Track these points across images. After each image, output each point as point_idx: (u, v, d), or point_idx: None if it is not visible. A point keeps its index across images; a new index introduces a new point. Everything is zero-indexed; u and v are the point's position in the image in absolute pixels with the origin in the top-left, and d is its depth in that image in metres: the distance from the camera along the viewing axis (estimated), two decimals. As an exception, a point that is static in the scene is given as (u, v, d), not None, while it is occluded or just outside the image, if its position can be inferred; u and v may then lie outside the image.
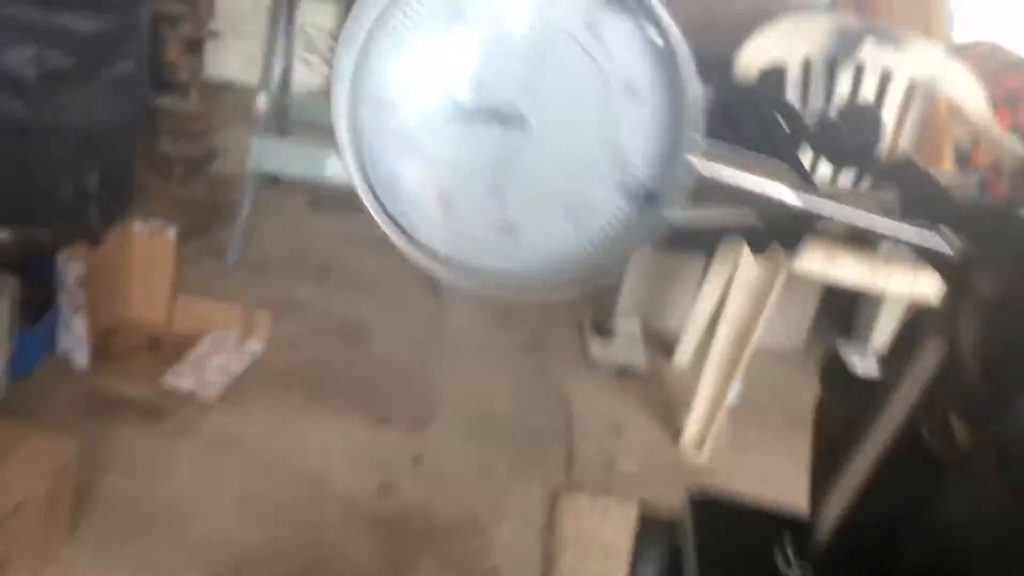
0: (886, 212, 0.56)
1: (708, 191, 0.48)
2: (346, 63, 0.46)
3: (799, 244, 0.52)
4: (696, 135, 0.46)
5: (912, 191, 0.55)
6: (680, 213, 0.52)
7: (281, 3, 3.06)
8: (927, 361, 0.52)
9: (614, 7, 0.46)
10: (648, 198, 0.47)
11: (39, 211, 2.76)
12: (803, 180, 0.49)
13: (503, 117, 0.46)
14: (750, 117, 0.51)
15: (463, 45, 0.46)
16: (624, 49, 0.46)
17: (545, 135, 0.47)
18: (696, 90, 0.46)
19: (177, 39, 3.28)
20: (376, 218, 0.48)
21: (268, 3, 3.37)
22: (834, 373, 0.62)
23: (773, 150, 0.50)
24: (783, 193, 0.48)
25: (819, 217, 0.49)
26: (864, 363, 0.62)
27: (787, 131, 0.52)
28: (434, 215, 0.48)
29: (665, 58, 0.46)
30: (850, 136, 0.54)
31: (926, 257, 0.50)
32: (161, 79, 3.27)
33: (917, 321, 0.57)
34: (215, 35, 3.62)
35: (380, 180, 0.48)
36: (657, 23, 0.46)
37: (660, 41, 0.46)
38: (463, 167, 0.47)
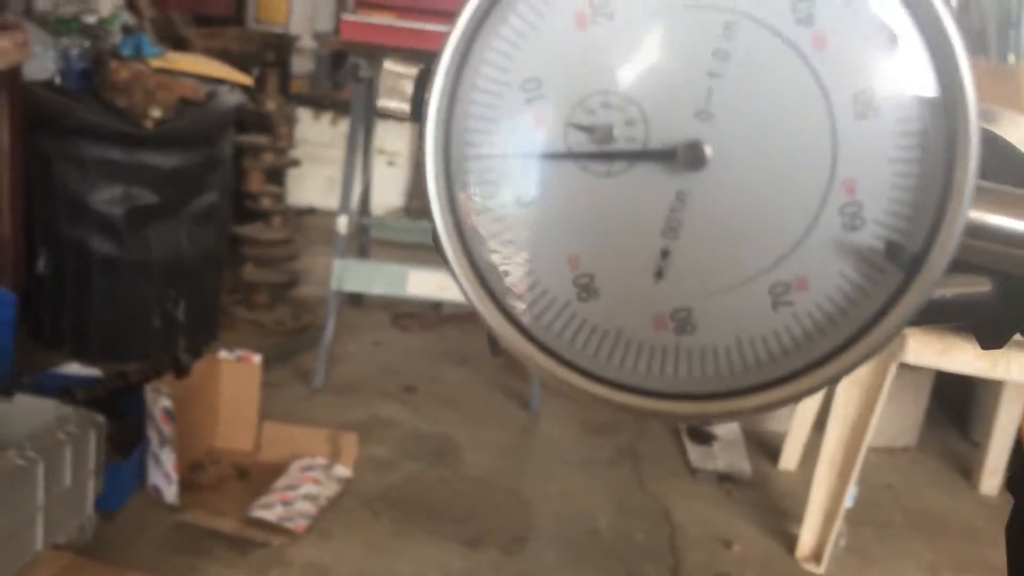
0: None
1: (979, 249, 0.34)
2: (435, 107, 0.33)
3: None
4: (974, 168, 0.31)
5: None
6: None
7: (358, 129, 3.11)
8: None
9: None
10: (898, 260, 0.32)
11: (129, 346, 2.79)
12: None
13: (666, 155, 0.32)
14: (987, 160, 0.38)
15: (604, 57, 0.32)
16: (854, 41, 0.32)
17: (733, 178, 0.32)
18: (973, 100, 0.31)
19: (259, 169, 3.35)
20: (488, 320, 0.32)
21: (346, 130, 3.44)
22: None
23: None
24: None
25: None
26: None
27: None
28: (569, 305, 0.33)
29: (921, 54, 0.32)
30: None
31: None
32: (244, 208, 3.33)
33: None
34: (296, 163, 3.70)
35: (490, 265, 0.33)
36: (923, 10, 0.31)
37: (912, 27, 0.32)
38: (611, 232, 0.32)
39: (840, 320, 0.32)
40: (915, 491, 2.79)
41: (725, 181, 0.32)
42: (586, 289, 0.33)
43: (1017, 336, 0.38)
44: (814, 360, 0.32)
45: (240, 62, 3.45)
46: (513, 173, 0.33)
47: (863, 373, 2.19)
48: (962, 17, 4.91)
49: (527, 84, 0.32)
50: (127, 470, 2.21)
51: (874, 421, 2.19)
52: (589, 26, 0.32)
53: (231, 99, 3.06)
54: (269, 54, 3.92)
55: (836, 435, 2.26)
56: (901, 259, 0.32)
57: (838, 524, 2.28)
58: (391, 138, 4.54)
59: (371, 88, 3.20)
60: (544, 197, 0.33)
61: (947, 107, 0.31)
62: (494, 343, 0.33)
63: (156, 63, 2.86)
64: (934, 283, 0.31)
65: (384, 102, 0.35)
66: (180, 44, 3.44)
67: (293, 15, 4.97)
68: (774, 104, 0.31)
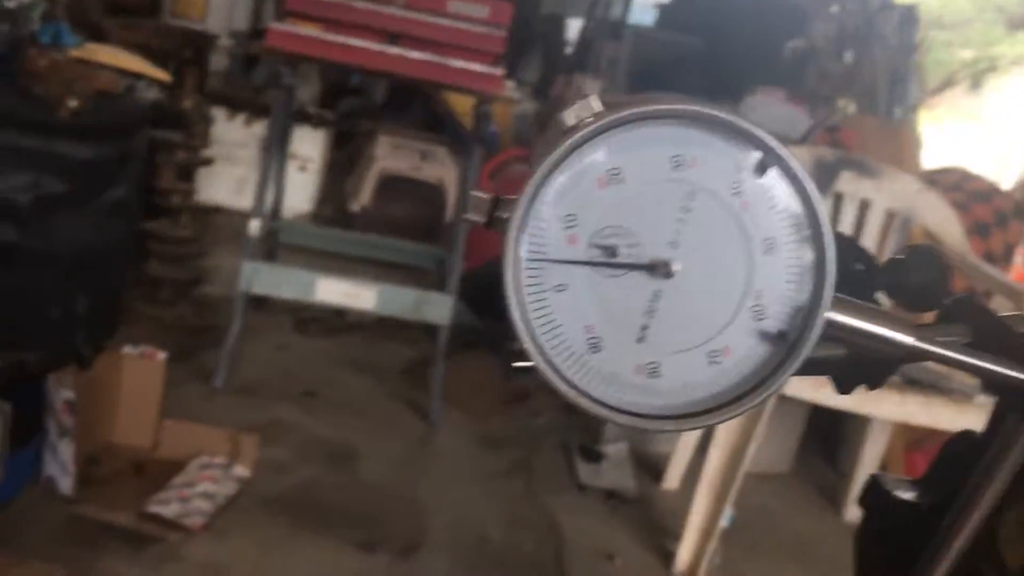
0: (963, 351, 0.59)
1: (833, 337, 0.53)
2: (514, 228, 0.50)
3: (883, 380, 0.56)
4: (831, 289, 0.51)
5: (981, 326, 0.57)
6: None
7: (274, 132, 3.15)
8: (987, 490, 0.54)
9: (759, 170, 0.51)
10: (783, 342, 0.51)
11: (29, 335, 2.75)
12: (908, 323, 0.54)
13: (651, 268, 0.50)
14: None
15: (615, 205, 0.50)
16: (765, 208, 0.51)
17: (689, 283, 0.50)
18: (832, 248, 0.50)
19: (171, 165, 3.34)
20: (536, 361, 0.50)
21: (260, 131, 3.47)
22: (874, 498, 0.63)
23: (855, 293, 0.55)
24: (906, 341, 0.52)
25: (922, 359, 0.53)
26: (902, 488, 0.63)
27: (862, 273, 0.55)
28: (582, 356, 0.51)
29: (803, 220, 0.51)
30: (915, 275, 0.58)
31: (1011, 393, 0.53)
32: (153, 204, 3.31)
33: (958, 447, 0.59)
34: (208, 162, 3.70)
35: (534, 327, 0.51)
36: (799, 188, 0.51)
37: (799, 204, 0.51)
38: (613, 312, 0.51)
39: (749, 375, 0.51)
40: (787, 515, 2.97)
41: (685, 285, 0.51)
42: (594, 346, 0.51)
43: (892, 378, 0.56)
44: (732, 399, 0.51)
45: (158, 58, 3.44)
46: (553, 270, 0.51)
47: (745, 402, 2.34)
48: (855, 73, 5.22)
49: (567, 218, 0.50)
50: (23, 460, 2.20)
51: (752, 448, 2.35)
52: (607, 186, 0.50)
53: (148, 94, 3.06)
54: (187, 51, 3.90)
55: (716, 459, 2.41)
56: (785, 340, 0.51)
57: (714, 543, 2.43)
58: (304, 144, 4.56)
59: (292, 94, 3.25)
60: (571, 286, 0.51)
61: (816, 251, 0.51)
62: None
63: (75, 53, 2.84)
64: (806, 356, 0.51)
65: (470, 215, 0.51)
66: (97, 34, 3.41)
67: (210, 12, 4.94)
68: (716, 241, 0.51)
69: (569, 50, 7.64)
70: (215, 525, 2.29)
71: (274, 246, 3.53)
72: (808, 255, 0.51)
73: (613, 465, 2.95)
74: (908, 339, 0.52)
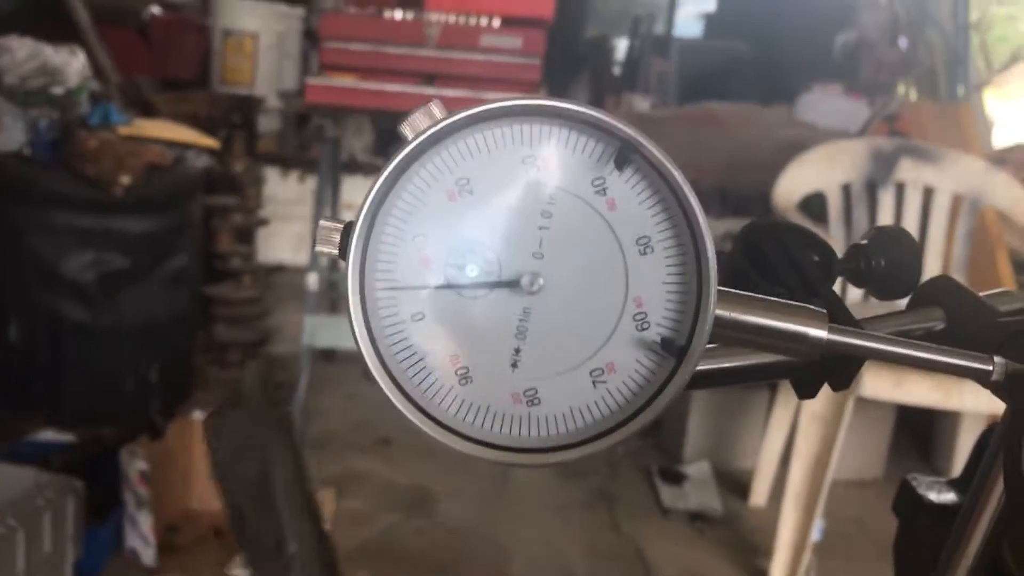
0: (932, 334, 0.54)
1: (737, 339, 0.47)
2: (353, 254, 0.45)
3: (849, 381, 0.49)
4: (715, 285, 0.45)
5: (955, 309, 0.53)
6: (711, 360, 0.51)
7: (325, 186, 3.18)
8: (998, 483, 0.48)
9: (619, 164, 0.45)
10: (671, 351, 0.46)
11: (104, 410, 2.81)
12: (837, 314, 0.47)
13: (515, 284, 0.45)
14: (778, 253, 0.50)
15: (468, 218, 0.46)
16: (634, 205, 0.46)
17: (560, 297, 0.46)
18: (710, 240, 0.45)
19: (228, 229, 3.40)
20: (392, 399, 0.46)
21: (313, 187, 3.51)
22: (907, 503, 0.58)
23: (805, 285, 0.48)
24: (812, 334, 0.46)
25: (858, 355, 0.47)
26: (937, 490, 0.58)
27: (817, 263, 0.50)
28: (452, 389, 0.46)
29: (676, 211, 0.46)
30: (881, 260, 0.52)
31: (979, 381, 0.48)
32: (214, 268, 3.37)
33: (987, 438, 0.53)
34: (264, 222, 3.76)
35: (396, 361, 0.46)
36: (665, 177, 0.45)
37: (670, 195, 0.46)
38: (479, 337, 0.46)
39: (638, 392, 0.46)
40: (883, 522, 2.83)
41: (555, 299, 0.45)
42: (464, 377, 0.46)
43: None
44: (621, 420, 0.46)
45: (207, 125, 3.51)
46: (408, 298, 0.46)
47: (821, 409, 2.26)
48: (912, 58, 5.08)
49: (417, 237, 0.46)
50: (104, 534, 2.23)
51: (836, 455, 2.25)
52: (457, 198, 0.46)
53: (199, 162, 3.12)
54: (235, 116, 3.99)
55: (799, 470, 2.32)
56: (672, 350, 0.45)
57: (807, 558, 2.33)
58: (357, 193, 4.60)
59: (337, 146, 3.28)
60: (431, 314, 0.46)
61: (696, 246, 0.45)
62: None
63: (124, 130, 2.92)
64: (696, 364, 0.45)
65: (319, 247, 0.46)
66: (147, 110, 3.51)
67: (258, 76, 5.05)
68: (585, 246, 0.45)
69: (617, 70, 7.62)
70: (297, 583, 2.28)
71: (335, 298, 3.56)
72: (687, 250, 0.45)
73: (696, 486, 2.87)
74: (819, 332, 0.46)
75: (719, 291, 0.45)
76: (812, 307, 0.47)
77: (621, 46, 8.23)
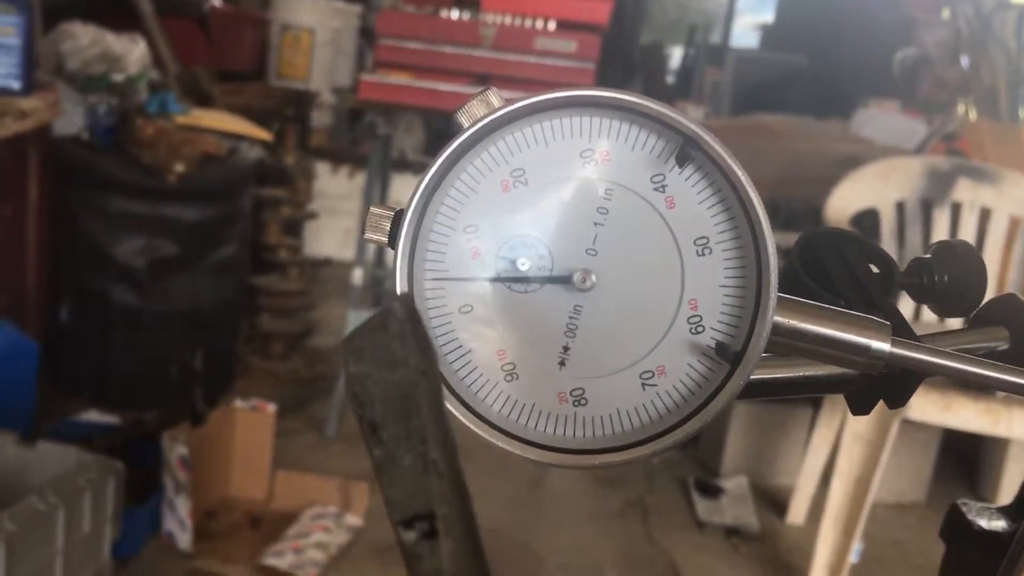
0: (994, 354, 0.52)
1: (795, 348, 0.45)
2: (403, 243, 0.45)
3: (906, 399, 0.47)
4: (775, 290, 0.43)
5: (1020, 329, 0.51)
6: (764, 370, 0.49)
7: (375, 182, 3.19)
8: None
9: (680, 160, 0.44)
10: (726, 356, 0.44)
11: (147, 395, 2.85)
12: (898, 329, 0.45)
13: (567, 280, 0.44)
14: (838, 264, 0.48)
15: (522, 211, 0.45)
16: (693, 204, 0.44)
17: (612, 295, 0.44)
18: (771, 243, 0.43)
19: (277, 221, 3.43)
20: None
21: (362, 183, 3.53)
22: (956, 529, 0.56)
23: (864, 297, 0.47)
24: (875, 346, 0.44)
25: (920, 370, 0.45)
26: (988, 517, 0.56)
27: (877, 276, 0.48)
28: (498, 385, 0.45)
29: (738, 212, 0.44)
30: (945, 276, 0.51)
31: None
32: (261, 259, 3.40)
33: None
34: (313, 216, 3.78)
35: (441, 354, 0.45)
36: (728, 176, 0.44)
37: (732, 195, 0.44)
38: (527, 333, 0.45)
39: (688, 397, 0.44)
40: (923, 547, 2.79)
41: (607, 298, 0.44)
42: (510, 373, 0.45)
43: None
44: (669, 426, 0.44)
45: (261, 117, 3.55)
46: (456, 290, 0.45)
47: (865, 429, 2.22)
48: (973, 77, 4.99)
49: (468, 227, 0.45)
50: (143, 517, 2.25)
51: (878, 477, 2.21)
52: (511, 190, 0.45)
53: (251, 154, 3.15)
54: (289, 109, 4.02)
55: (840, 490, 2.28)
56: (727, 355, 0.43)
57: (844, 579, 2.29)
58: (407, 192, 4.62)
59: (388, 143, 3.29)
60: (479, 307, 0.45)
61: (757, 249, 0.43)
62: None
63: (180, 119, 2.96)
64: (751, 372, 0.43)
65: (368, 235, 0.45)
66: (204, 100, 3.55)
67: (313, 71, 5.10)
68: (640, 245, 0.44)
69: (670, 78, 7.58)
70: (329, 575, 2.29)
71: (380, 294, 3.57)
72: (746, 252, 0.43)
73: (733, 500, 2.84)
74: (882, 345, 0.44)
75: (778, 297, 0.43)
76: (875, 318, 0.45)
77: (675, 54, 8.19)
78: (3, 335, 2.25)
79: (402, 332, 0.33)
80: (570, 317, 0.44)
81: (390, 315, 0.33)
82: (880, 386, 0.47)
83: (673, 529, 2.72)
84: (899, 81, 5.11)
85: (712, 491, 2.87)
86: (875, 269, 0.49)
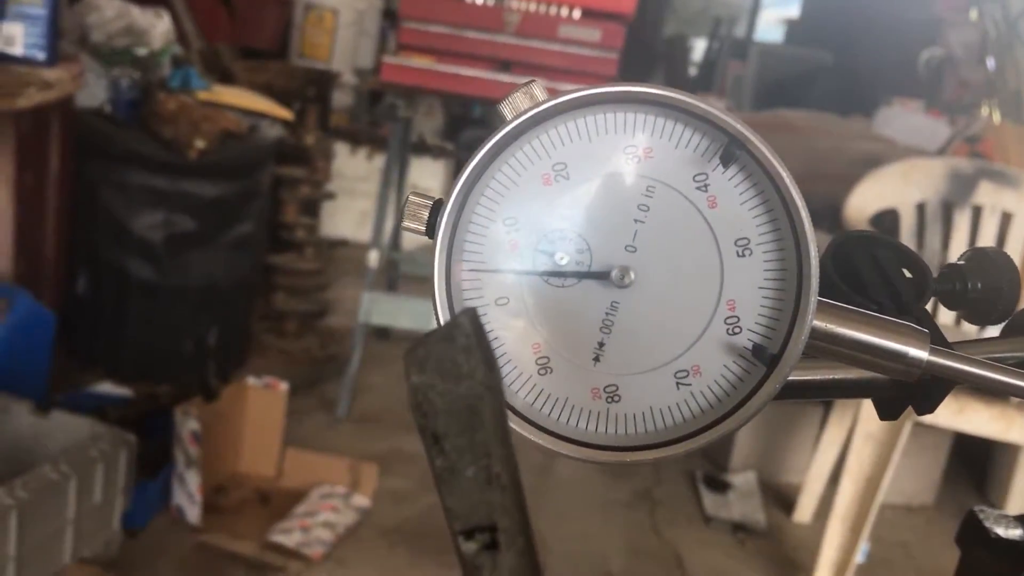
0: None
1: (831, 352, 0.45)
2: (442, 233, 0.45)
3: (935, 406, 0.47)
4: (815, 294, 0.43)
5: None
6: (797, 372, 0.48)
7: (393, 165, 3.19)
8: None
9: (725, 160, 0.44)
10: (762, 358, 0.44)
11: (162, 368, 2.86)
12: (934, 337, 0.45)
13: (605, 276, 0.44)
14: (871, 268, 0.48)
15: (562, 205, 0.45)
16: (736, 204, 0.44)
17: (650, 293, 0.44)
18: (814, 247, 0.43)
19: (295, 200, 3.43)
20: None
21: (381, 165, 3.53)
22: (972, 536, 0.56)
23: (897, 303, 0.47)
24: (912, 354, 0.44)
25: (955, 379, 0.45)
26: (1005, 525, 0.56)
27: (910, 281, 0.48)
28: (531, 378, 0.45)
29: (781, 214, 0.44)
30: (978, 283, 0.50)
31: None
32: (278, 238, 3.41)
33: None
34: (331, 196, 3.79)
35: None
36: (772, 177, 0.43)
37: (775, 196, 0.44)
38: (563, 327, 0.45)
39: (722, 398, 0.44)
40: (929, 550, 2.78)
41: (645, 296, 0.44)
42: (544, 367, 0.45)
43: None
44: (702, 426, 0.44)
45: (282, 96, 3.55)
46: (493, 282, 0.45)
47: (877, 430, 2.21)
48: (998, 79, 4.95)
49: (508, 220, 0.45)
50: (153, 489, 2.27)
51: (887, 478, 2.21)
52: (552, 183, 0.44)
53: (272, 132, 3.16)
54: (310, 89, 4.02)
55: (849, 490, 2.27)
56: (764, 357, 0.43)
57: (849, 579, 2.29)
58: (425, 175, 4.63)
59: (408, 127, 3.29)
60: (515, 300, 0.45)
61: (798, 252, 0.43)
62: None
63: (202, 95, 2.96)
64: (787, 375, 0.43)
65: (407, 223, 0.45)
66: (226, 77, 3.55)
67: (336, 51, 5.09)
68: (680, 243, 0.44)
69: (693, 71, 7.54)
70: (335, 555, 2.30)
71: (395, 277, 3.58)
72: (787, 255, 0.43)
73: (741, 496, 2.84)
74: (920, 353, 0.44)
75: (816, 299, 0.43)
76: (914, 326, 0.45)
77: (699, 46, 8.14)
78: (20, 304, 2.26)
79: (468, 345, 0.33)
80: (606, 313, 0.44)
81: (457, 328, 0.33)
82: (910, 392, 0.47)
83: (680, 522, 2.72)
84: (923, 81, 5.07)
85: (720, 486, 2.87)
86: (908, 274, 0.48)
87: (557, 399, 0.45)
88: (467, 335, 0.33)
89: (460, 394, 0.33)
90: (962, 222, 2.56)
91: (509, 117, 0.44)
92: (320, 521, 2.38)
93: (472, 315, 0.33)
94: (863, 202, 2.53)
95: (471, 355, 0.33)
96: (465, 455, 0.34)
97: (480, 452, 0.34)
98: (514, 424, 0.44)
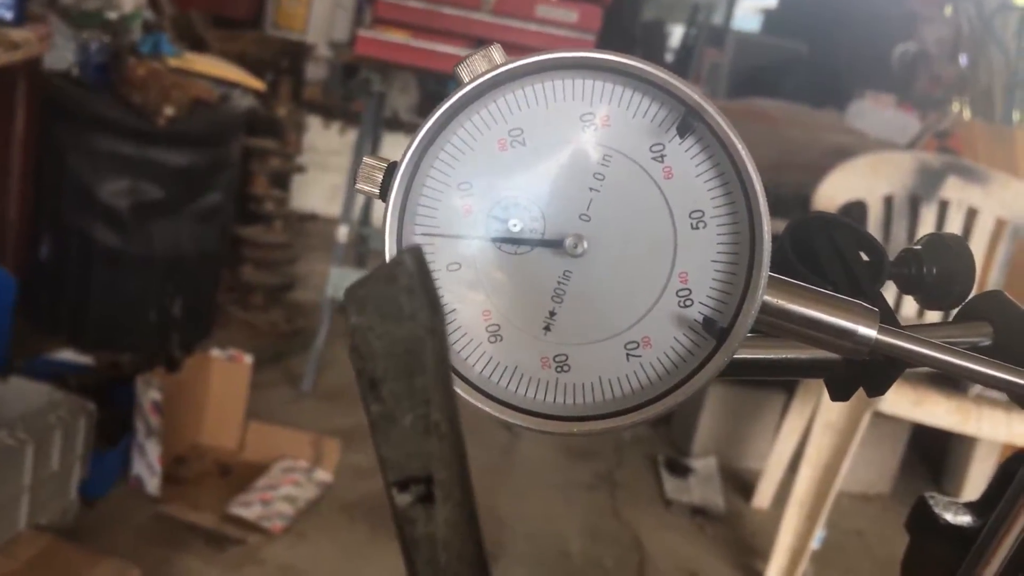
0: (977, 349, 0.52)
1: (782, 328, 0.45)
2: (394, 195, 0.44)
3: (886, 387, 0.48)
4: (767, 269, 0.43)
5: (1004, 326, 0.51)
6: (748, 349, 0.49)
7: (366, 140, 3.17)
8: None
9: (681, 131, 0.43)
10: (712, 332, 0.44)
11: (124, 337, 2.84)
12: (885, 317, 0.45)
13: (558, 244, 0.44)
14: (828, 249, 0.48)
15: (517, 171, 0.44)
16: (691, 176, 0.44)
17: (603, 263, 0.44)
18: (767, 221, 0.43)
19: (265, 172, 3.40)
20: None
21: (353, 140, 3.50)
22: (921, 521, 0.57)
23: (852, 284, 0.47)
24: (862, 332, 0.44)
25: (904, 358, 0.45)
26: (954, 511, 0.57)
27: (867, 263, 0.48)
28: (481, 345, 0.45)
29: (736, 188, 0.43)
30: (934, 268, 0.51)
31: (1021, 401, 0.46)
32: (247, 210, 3.38)
33: (1014, 465, 0.52)
34: (302, 169, 3.76)
35: None
36: (728, 150, 0.43)
37: (731, 170, 0.43)
38: (514, 295, 0.44)
39: (672, 370, 0.44)
40: (884, 538, 2.83)
41: (597, 265, 0.44)
42: (495, 335, 0.45)
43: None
44: (651, 398, 0.44)
45: (255, 66, 3.51)
46: (446, 247, 0.44)
47: (837, 418, 2.24)
48: (970, 76, 4.99)
49: (462, 184, 0.44)
50: (112, 459, 2.25)
51: (845, 466, 2.24)
52: (508, 149, 0.44)
53: (243, 102, 3.12)
54: (284, 60, 3.98)
55: (807, 478, 2.30)
56: (714, 330, 0.44)
57: (804, 565, 2.32)
58: (397, 151, 4.59)
59: (382, 102, 3.27)
60: (467, 266, 0.44)
61: (752, 226, 0.43)
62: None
63: (173, 62, 2.92)
64: (736, 348, 0.43)
65: (360, 185, 0.45)
66: (198, 45, 3.50)
67: (311, 22, 5.03)
68: (635, 214, 0.43)
69: (669, 56, 7.54)
70: (295, 528, 2.30)
71: (364, 252, 3.56)
72: (741, 229, 0.43)
73: (701, 480, 2.86)
74: (868, 331, 0.44)
75: (769, 276, 0.43)
76: (864, 304, 0.45)
77: (676, 33, 8.14)
78: (-19, 268, 2.23)
79: (411, 286, 0.32)
80: (558, 282, 0.44)
81: (400, 267, 0.32)
82: (861, 373, 0.47)
83: (640, 505, 2.74)
84: (896, 75, 5.11)
85: (681, 470, 2.90)
86: (865, 257, 0.49)
87: (506, 367, 0.45)
88: (410, 275, 0.32)
89: (400, 336, 0.32)
90: (928, 216, 2.58)
91: (466, 80, 0.43)
92: (281, 495, 2.38)
93: (416, 253, 0.32)
94: (832, 192, 2.55)
95: (413, 296, 0.32)
96: (403, 401, 0.33)
97: (419, 399, 0.33)
98: (462, 391, 0.44)
